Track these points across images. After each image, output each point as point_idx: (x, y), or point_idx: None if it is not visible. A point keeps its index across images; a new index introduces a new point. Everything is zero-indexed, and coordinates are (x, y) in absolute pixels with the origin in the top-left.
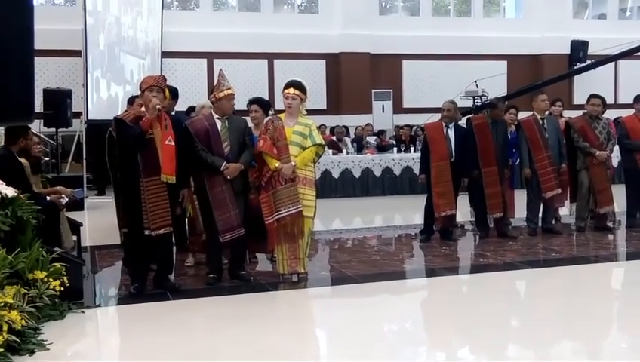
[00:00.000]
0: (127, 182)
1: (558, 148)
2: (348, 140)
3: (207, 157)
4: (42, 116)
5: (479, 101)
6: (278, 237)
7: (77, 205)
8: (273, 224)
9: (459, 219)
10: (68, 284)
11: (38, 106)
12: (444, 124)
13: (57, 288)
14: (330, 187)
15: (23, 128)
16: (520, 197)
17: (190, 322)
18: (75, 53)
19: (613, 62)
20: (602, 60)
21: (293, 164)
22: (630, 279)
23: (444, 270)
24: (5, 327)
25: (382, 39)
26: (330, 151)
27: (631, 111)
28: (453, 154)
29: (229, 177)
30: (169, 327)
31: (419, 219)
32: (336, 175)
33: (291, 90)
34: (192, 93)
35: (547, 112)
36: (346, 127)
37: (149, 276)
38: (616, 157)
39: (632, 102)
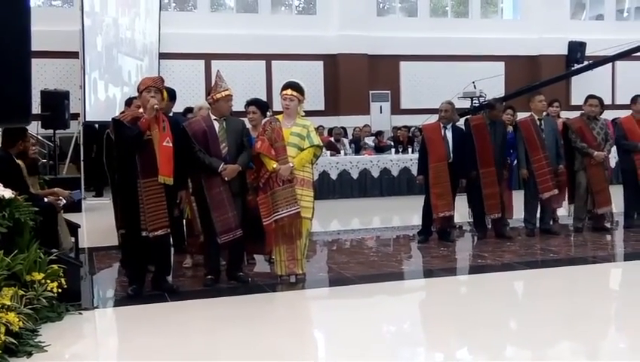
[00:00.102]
0: (125, 184)
1: (556, 149)
2: (346, 141)
3: (205, 158)
4: (40, 117)
5: (477, 102)
6: (276, 238)
7: (75, 206)
8: (271, 225)
9: (457, 219)
10: (66, 286)
11: (36, 108)
12: (441, 125)
13: (55, 290)
14: (328, 188)
15: (21, 131)
16: (518, 198)
17: (188, 323)
18: (73, 55)
19: (610, 63)
20: (600, 61)
21: (291, 165)
22: (628, 279)
23: (442, 271)
24: (3, 329)
25: (379, 40)
26: (328, 152)
27: (628, 112)
28: (451, 155)
29: (226, 178)
30: (167, 329)
31: (417, 220)
32: (334, 176)
33: (289, 92)
34: (190, 95)
35: (544, 113)
36: (344, 128)
37: (147, 277)
38: (613, 158)
39: (629, 103)
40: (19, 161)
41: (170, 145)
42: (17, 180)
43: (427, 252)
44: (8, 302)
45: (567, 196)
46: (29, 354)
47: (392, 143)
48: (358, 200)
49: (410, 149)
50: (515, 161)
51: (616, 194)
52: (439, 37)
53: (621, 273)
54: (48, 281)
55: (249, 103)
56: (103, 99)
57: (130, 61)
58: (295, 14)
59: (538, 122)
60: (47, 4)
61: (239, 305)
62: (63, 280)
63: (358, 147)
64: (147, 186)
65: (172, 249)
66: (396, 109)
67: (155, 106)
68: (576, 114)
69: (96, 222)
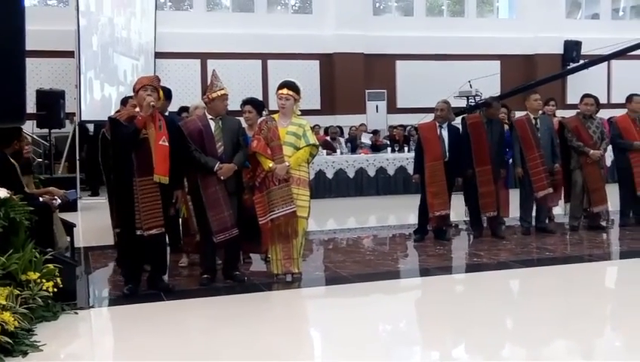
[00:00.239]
0: (121, 182)
1: (551, 148)
2: (342, 140)
3: (201, 157)
4: (35, 117)
5: (473, 101)
6: (272, 237)
7: (70, 206)
8: (267, 224)
9: (453, 218)
10: (61, 285)
11: (31, 107)
12: (437, 124)
13: (50, 289)
14: (324, 187)
15: (16, 131)
16: (515, 197)
17: (184, 323)
18: (68, 54)
19: (606, 62)
20: (595, 60)
21: (287, 164)
22: (623, 278)
23: (438, 269)
24: None
25: (376, 39)
26: (324, 151)
27: (624, 111)
28: (447, 154)
29: (222, 178)
30: (163, 328)
31: (413, 218)
32: (330, 175)
33: (285, 91)
34: (186, 94)
35: (540, 112)
36: (340, 127)
37: (143, 277)
38: (609, 157)
39: (624, 102)
40: (13, 161)
41: (167, 144)
42: (12, 180)
43: (423, 250)
44: (4, 302)
45: (563, 195)
46: (25, 354)
47: (388, 142)
48: (354, 199)
49: (406, 148)
50: (511, 160)
51: (612, 193)
52: (435, 36)
53: (617, 271)
54: (44, 281)
55: (245, 102)
56: (98, 98)
57: (125, 60)
58: (291, 13)
59: (534, 121)
60: (43, 3)
61: (235, 304)
62: (58, 279)
63: (354, 146)
64: (143, 185)
65: (168, 248)
66: (392, 108)
67: (152, 103)
68: (571, 113)
69: (91, 221)
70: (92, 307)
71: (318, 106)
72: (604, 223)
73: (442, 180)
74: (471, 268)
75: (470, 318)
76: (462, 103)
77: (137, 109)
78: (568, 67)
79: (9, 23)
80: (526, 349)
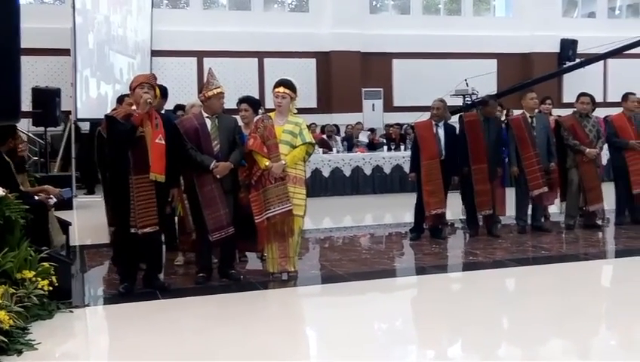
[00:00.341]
0: (117, 180)
1: (547, 147)
2: (338, 139)
3: (197, 156)
4: (31, 115)
5: (469, 99)
6: (268, 235)
7: (66, 204)
8: (263, 223)
9: (449, 217)
10: (56, 284)
11: (27, 105)
12: (433, 123)
13: (46, 288)
14: (320, 185)
15: (11, 129)
16: (511, 196)
17: (180, 321)
18: (64, 52)
19: (602, 61)
20: (591, 59)
21: (283, 162)
22: (619, 276)
23: (434, 268)
24: None
25: (372, 38)
26: (321, 149)
27: (620, 110)
28: (443, 152)
29: (218, 176)
30: (158, 327)
31: (409, 217)
32: (326, 173)
33: (281, 89)
34: (182, 92)
35: (536, 110)
36: (337, 126)
37: (139, 275)
38: (605, 156)
39: (620, 100)
40: (8, 159)
41: (163, 142)
42: (7, 178)
43: (419, 249)
44: None
45: (559, 193)
46: (20, 353)
47: (385, 141)
48: (350, 198)
49: (402, 147)
50: (507, 159)
51: (608, 192)
52: (432, 34)
53: (612, 270)
54: (39, 279)
55: (241, 101)
56: (94, 96)
57: (122, 59)
58: (288, 12)
59: (530, 120)
60: (39, 1)
61: (231, 303)
62: (53, 278)
63: (350, 144)
64: (138, 183)
65: (164, 246)
66: (389, 107)
67: (149, 100)
68: (568, 111)
69: (87, 219)
70: (87, 305)
71: (314, 105)
72: (599, 222)
73: (438, 179)
74: (467, 266)
75: (466, 317)
76: (458, 102)
77: (134, 107)
78: (564, 66)
79: (4, 21)
80: (521, 348)
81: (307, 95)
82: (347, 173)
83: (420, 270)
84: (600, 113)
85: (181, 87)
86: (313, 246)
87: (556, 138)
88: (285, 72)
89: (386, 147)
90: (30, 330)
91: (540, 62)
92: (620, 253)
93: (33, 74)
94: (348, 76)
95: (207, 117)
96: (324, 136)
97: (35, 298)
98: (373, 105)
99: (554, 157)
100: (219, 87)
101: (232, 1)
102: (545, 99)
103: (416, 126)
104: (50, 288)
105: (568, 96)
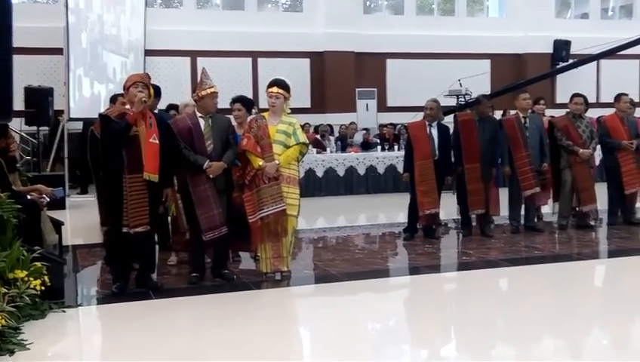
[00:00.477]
0: (111, 179)
1: (540, 147)
2: (332, 139)
3: (190, 155)
4: (24, 114)
5: (463, 100)
6: (261, 235)
7: (59, 204)
8: (257, 222)
9: (442, 217)
10: (49, 283)
11: (20, 104)
12: (427, 123)
13: (38, 287)
14: (314, 185)
15: (3, 128)
16: (505, 196)
17: (173, 321)
18: (57, 51)
19: (595, 62)
20: (584, 60)
21: (276, 162)
22: (612, 276)
23: (427, 268)
24: None
25: (366, 38)
26: (314, 149)
27: (612, 111)
28: (437, 152)
29: (211, 176)
30: (151, 326)
31: (402, 217)
32: (320, 173)
33: (275, 89)
34: (176, 92)
35: (530, 111)
36: (330, 126)
37: (132, 275)
38: (598, 156)
39: (613, 101)
40: None
41: (157, 142)
42: (0, 177)
43: (412, 249)
44: None
45: (552, 194)
46: (12, 353)
47: (378, 141)
48: (344, 198)
49: (396, 147)
50: (500, 159)
51: (600, 192)
52: (425, 35)
53: (605, 270)
54: (31, 279)
55: (234, 101)
56: (87, 96)
57: (115, 58)
58: (281, 12)
59: (523, 120)
60: (32, 0)
61: (224, 303)
62: (46, 277)
63: (344, 144)
64: (132, 182)
65: (157, 246)
66: (382, 107)
67: (144, 99)
68: (561, 112)
69: (80, 219)
70: (80, 305)
71: (308, 105)
72: (592, 222)
73: (432, 179)
74: (460, 266)
75: (459, 317)
76: (452, 102)
77: (128, 107)
78: (558, 66)
79: None
80: (514, 347)
81: (301, 95)
82: (341, 173)
83: (414, 270)
84: (593, 114)
85: (174, 86)
86: (307, 246)
87: (550, 138)
88: (279, 71)
89: (379, 147)
90: (22, 330)
91: (533, 63)
92: (612, 253)
93: (26, 73)
94: (342, 76)
95: (200, 116)
96: (318, 136)
97: (27, 298)
98: (367, 105)
99: (547, 157)
100: (212, 87)
101: (226, 0)
102: (538, 100)
103: (410, 126)
104: (43, 288)
105: (561, 97)
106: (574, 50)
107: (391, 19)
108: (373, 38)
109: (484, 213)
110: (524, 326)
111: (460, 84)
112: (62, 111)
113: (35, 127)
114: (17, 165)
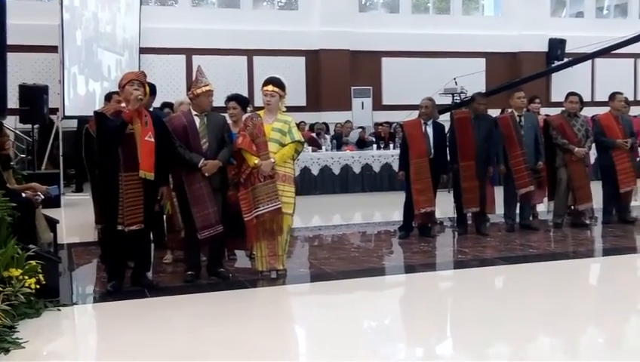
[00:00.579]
0: (106, 177)
1: (535, 146)
2: (327, 137)
3: (185, 154)
4: (18, 112)
5: (458, 98)
6: (256, 234)
7: (54, 202)
8: (252, 221)
9: (437, 215)
10: (44, 282)
11: (14, 102)
12: (422, 122)
13: (33, 286)
14: (309, 184)
15: None
16: (500, 194)
17: (168, 319)
18: (52, 49)
19: (590, 61)
20: (579, 58)
21: (272, 160)
22: (607, 274)
23: (422, 266)
24: None
25: (361, 36)
26: (310, 148)
27: (607, 109)
28: (432, 151)
29: (207, 174)
30: (147, 325)
31: (398, 215)
32: (315, 172)
33: (270, 87)
34: (171, 90)
35: (525, 109)
36: (326, 124)
37: (127, 273)
38: (593, 155)
39: (608, 99)
40: None
41: (152, 140)
42: None
43: (408, 247)
44: None
45: (547, 192)
46: (7, 351)
47: (374, 139)
48: (339, 196)
49: (391, 145)
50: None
51: (595, 191)
52: (421, 33)
53: (600, 268)
54: (26, 277)
55: (229, 99)
56: (82, 93)
57: (110, 56)
58: (277, 10)
59: (518, 118)
60: None
61: (219, 301)
62: (41, 276)
63: (339, 143)
64: (127, 180)
65: (152, 244)
66: (378, 105)
67: (139, 97)
68: (556, 110)
69: (75, 217)
70: (75, 304)
71: (303, 103)
72: (587, 221)
73: (427, 177)
74: (455, 264)
75: (454, 315)
76: (447, 100)
77: (123, 105)
78: (553, 65)
79: None
80: (510, 346)
81: (296, 93)
82: (336, 171)
83: (409, 268)
84: (587, 112)
85: (169, 84)
86: (302, 244)
87: (545, 137)
88: (274, 69)
89: (375, 145)
90: (17, 329)
91: (529, 62)
92: (607, 252)
93: (20, 71)
94: (337, 74)
95: (195, 115)
96: (314, 135)
97: (22, 296)
98: (362, 103)
99: (541, 156)
100: (208, 85)
101: None
102: (533, 98)
103: (405, 125)
104: (38, 286)
105: (557, 96)
106: (569, 48)
107: (386, 17)
108: (368, 36)
109: (479, 212)
110: (520, 325)
111: (456, 82)
112: (55, 110)
113: (29, 125)
114: (12, 163)
